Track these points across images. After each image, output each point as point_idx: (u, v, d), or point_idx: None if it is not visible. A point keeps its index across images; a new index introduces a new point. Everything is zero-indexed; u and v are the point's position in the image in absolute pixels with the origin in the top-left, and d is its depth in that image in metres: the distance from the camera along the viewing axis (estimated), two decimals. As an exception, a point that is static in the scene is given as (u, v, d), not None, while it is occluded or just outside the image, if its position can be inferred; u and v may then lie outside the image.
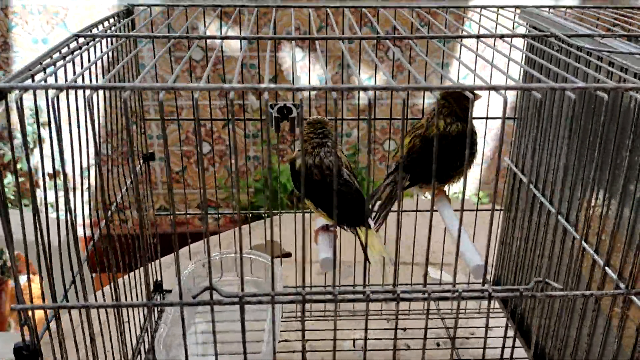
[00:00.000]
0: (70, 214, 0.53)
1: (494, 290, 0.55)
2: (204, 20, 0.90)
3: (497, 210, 0.97)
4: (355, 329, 0.96)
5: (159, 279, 0.95)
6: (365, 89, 0.45)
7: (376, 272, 1.04)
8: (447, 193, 0.87)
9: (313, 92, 2.50)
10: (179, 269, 0.52)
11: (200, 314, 0.88)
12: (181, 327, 0.86)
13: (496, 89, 0.46)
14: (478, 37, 0.67)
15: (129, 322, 0.83)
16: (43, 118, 0.57)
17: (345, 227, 0.77)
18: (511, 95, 2.29)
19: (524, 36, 0.65)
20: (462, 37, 0.64)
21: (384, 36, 0.62)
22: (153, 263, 0.94)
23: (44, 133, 2.00)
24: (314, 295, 0.48)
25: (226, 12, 2.22)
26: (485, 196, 2.58)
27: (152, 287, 0.95)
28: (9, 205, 2.09)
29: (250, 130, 2.53)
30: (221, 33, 0.69)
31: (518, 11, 0.83)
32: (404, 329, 0.97)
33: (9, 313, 2.12)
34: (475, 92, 0.81)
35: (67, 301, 0.56)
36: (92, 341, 0.61)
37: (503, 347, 0.59)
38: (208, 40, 2.42)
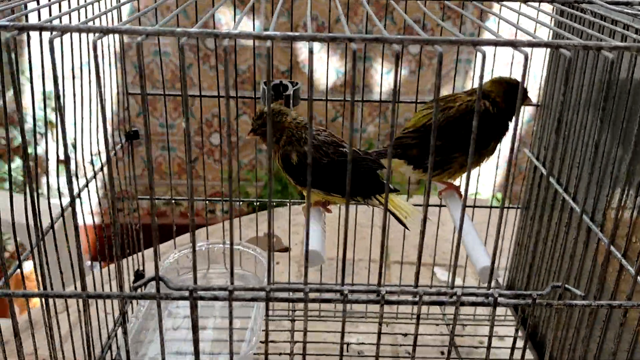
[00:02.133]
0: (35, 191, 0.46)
1: (502, 296, 0.46)
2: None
3: (513, 208, 0.88)
4: (350, 332, 0.88)
5: (142, 269, 0.88)
6: (350, 39, 0.37)
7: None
8: (459, 187, 0.78)
9: (330, 84, 2.42)
10: (157, 258, 0.44)
11: (180, 308, 0.80)
12: (155, 321, 0.79)
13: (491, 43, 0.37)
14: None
15: (106, 314, 0.76)
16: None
17: (361, 200, 0.70)
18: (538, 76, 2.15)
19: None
20: None
21: None
22: (137, 253, 0.87)
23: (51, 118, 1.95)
24: (280, 292, 0.40)
25: (242, 0, 2.15)
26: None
27: (133, 277, 0.88)
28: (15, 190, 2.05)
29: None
30: (235, 21, 0.62)
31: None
32: (405, 335, 0.88)
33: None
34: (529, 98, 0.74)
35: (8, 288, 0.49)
36: (50, 335, 0.54)
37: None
38: (222, 29, 2.36)
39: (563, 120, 0.68)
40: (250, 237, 1.02)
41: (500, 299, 0.45)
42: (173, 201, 0.85)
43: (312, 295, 0.40)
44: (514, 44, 0.37)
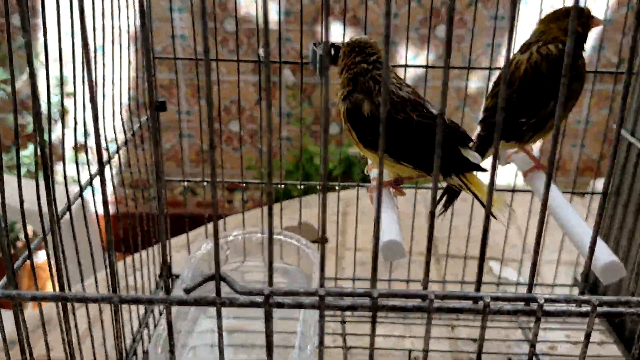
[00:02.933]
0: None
1: (603, 304, 0.34)
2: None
3: (597, 194, 0.77)
4: (410, 337, 0.76)
5: (168, 261, 0.77)
6: None
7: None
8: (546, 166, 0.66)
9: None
10: (217, 246, 0.33)
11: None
12: (186, 323, 0.68)
13: None
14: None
15: (130, 315, 0.66)
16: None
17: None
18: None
19: None
20: None
21: None
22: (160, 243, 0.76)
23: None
24: (390, 299, 0.29)
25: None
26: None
27: (159, 270, 0.77)
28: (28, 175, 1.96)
29: (284, 107, 2.34)
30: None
31: None
32: (474, 340, 0.77)
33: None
34: (595, 17, 0.61)
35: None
36: (68, 341, 0.43)
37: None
38: (242, 12, 2.22)
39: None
40: (290, 226, 0.91)
41: (600, 309, 0.34)
42: (188, 188, 0.74)
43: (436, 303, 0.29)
44: None
